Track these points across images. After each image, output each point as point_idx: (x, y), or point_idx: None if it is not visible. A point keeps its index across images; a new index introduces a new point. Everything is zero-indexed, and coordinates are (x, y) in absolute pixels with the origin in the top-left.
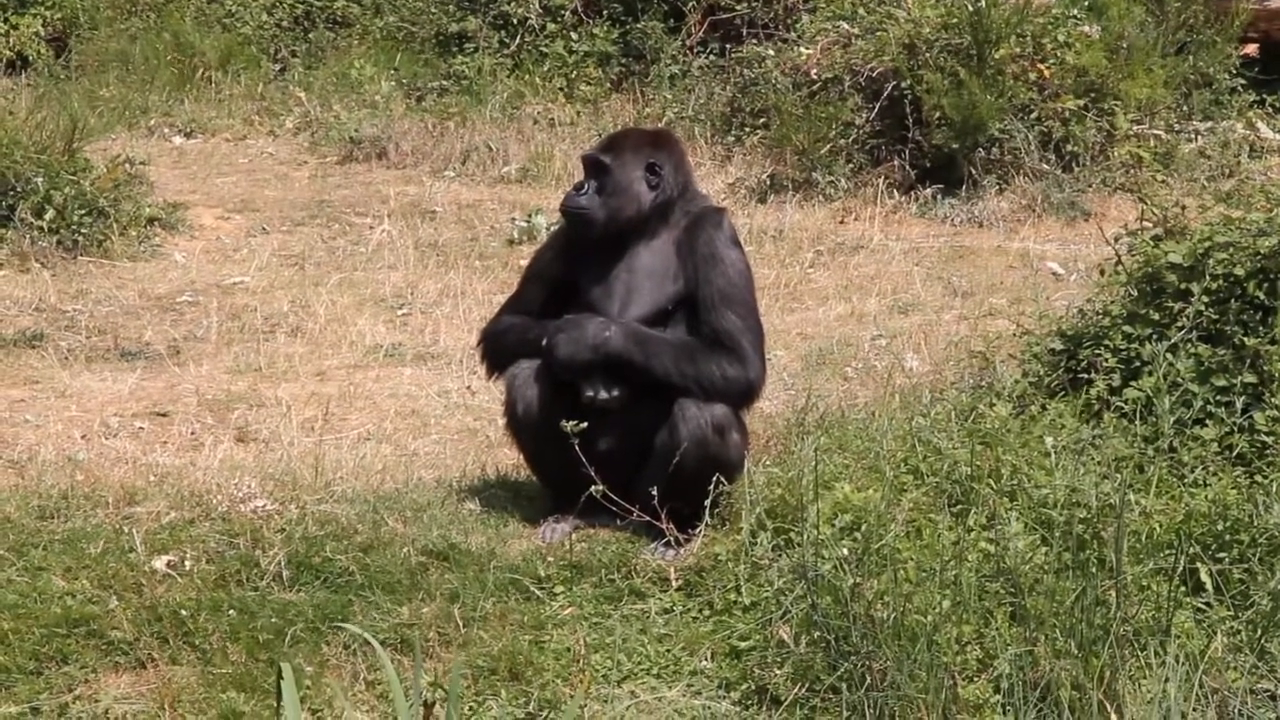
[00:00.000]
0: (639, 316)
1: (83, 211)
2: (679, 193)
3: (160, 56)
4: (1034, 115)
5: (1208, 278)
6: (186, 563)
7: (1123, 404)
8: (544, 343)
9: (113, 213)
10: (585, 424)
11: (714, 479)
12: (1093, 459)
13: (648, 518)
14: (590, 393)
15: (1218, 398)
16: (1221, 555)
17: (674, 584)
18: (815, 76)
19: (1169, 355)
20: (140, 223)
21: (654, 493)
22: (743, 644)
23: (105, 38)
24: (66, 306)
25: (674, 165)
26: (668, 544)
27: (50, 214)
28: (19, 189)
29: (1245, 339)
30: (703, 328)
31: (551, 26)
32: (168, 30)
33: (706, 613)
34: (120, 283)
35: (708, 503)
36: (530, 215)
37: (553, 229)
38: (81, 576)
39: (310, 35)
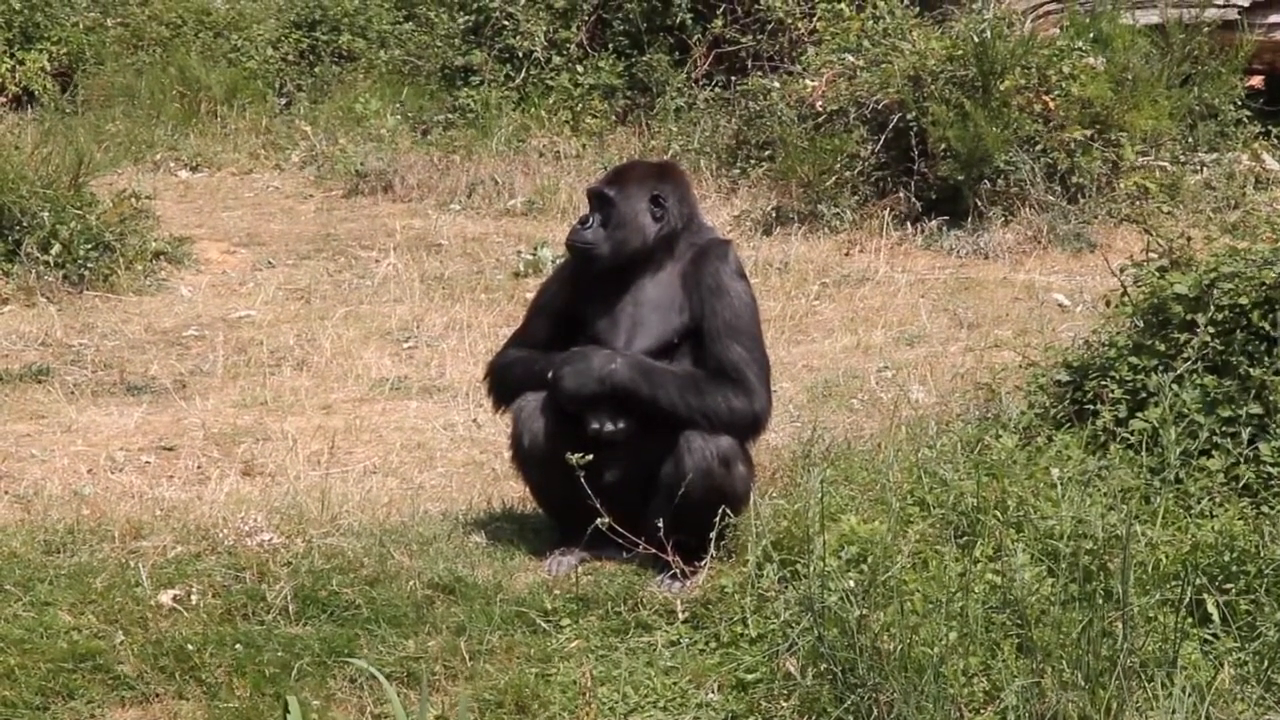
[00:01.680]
0: (645, 349)
1: (89, 246)
2: (684, 225)
3: (166, 91)
4: (1039, 147)
5: (1213, 308)
6: (192, 597)
7: (1129, 435)
8: (550, 375)
9: (119, 247)
10: (591, 456)
11: (719, 511)
12: (1099, 490)
13: (654, 550)
14: (596, 425)
15: (1224, 429)
16: (1228, 586)
17: (680, 617)
18: (820, 109)
19: (1175, 386)
20: (146, 257)
21: (660, 525)
22: (749, 676)
23: (111, 73)
24: (72, 341)
25: (678, 197)
26: (674, 576)
27: (56, 248)
28: (25, 224)
29: (1251, 370)
30: (708, 360)
31: (557, 60)
32: (173, 65)
33: (713, 645)
34: (126, 317)
35: (713, 535)
36: (536, 248)
37: (559, 262)
38: (87, 611)
39: (316, 69)
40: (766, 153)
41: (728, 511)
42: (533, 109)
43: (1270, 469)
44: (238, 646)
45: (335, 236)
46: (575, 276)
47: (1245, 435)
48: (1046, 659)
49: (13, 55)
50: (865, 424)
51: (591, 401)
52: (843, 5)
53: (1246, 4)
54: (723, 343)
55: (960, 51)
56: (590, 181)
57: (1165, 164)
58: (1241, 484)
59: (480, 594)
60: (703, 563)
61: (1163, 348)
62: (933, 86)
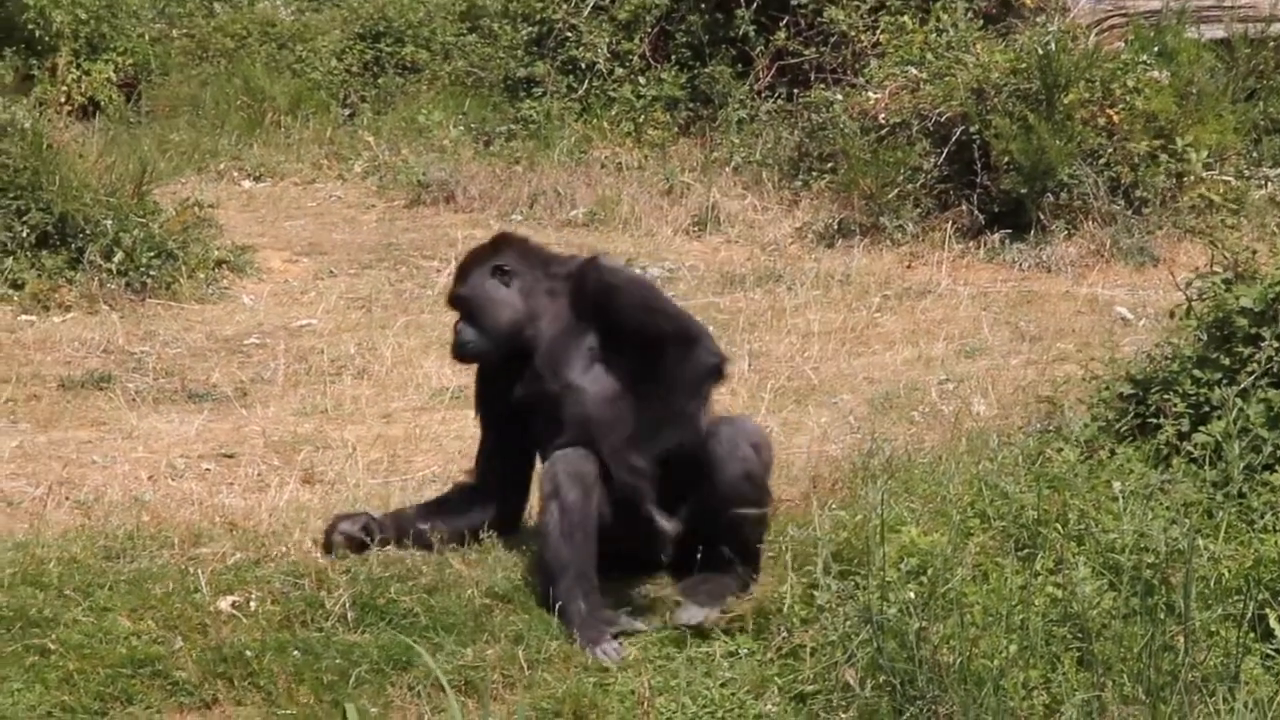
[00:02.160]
0: (598, 382)
1: (151, 254)
2: (542, 270)
3: (230, 101)
4: (1103, 160)
5: (1279, 322)
6: (252, 604)
7: (1192, 449)
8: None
9: (181, 255)
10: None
11: (755, 501)
12: (1161, 504)
13: (686, 585)
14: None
15: None
16: None
17: (720, 630)
18: (883, 121)
19: (1239, 400)
20: (208, 265)
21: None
22: (808, 688)
23: (176, 83)
24: (134, 348)
25: (518, 254)
26: (699, 604)
27: (119, 256)
28: (89, 232)
29: None
30: (645, 346)
31: (619, 71)
32: (238, 75)
33: (771, 656)
34: (188, 325)
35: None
36: None
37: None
38: (147, 617)
39: (379, 81)
40: (829, 165)
41: (760, 503)
42: (595, 120)
43: None
44: (296, 653)
45: (397, 246)
46: (490, 376)
47: None
48: (1107, 673)
49: (79, 66)
50: (926, 436)
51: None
52: (906, 18)
53: None
54: (646, 320)
55: (1024, 64)
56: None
57: (1230, 178)
58: None
59: (539, 602)
60: (757, 574)
61: (1227, 361)
62: (996, 99)
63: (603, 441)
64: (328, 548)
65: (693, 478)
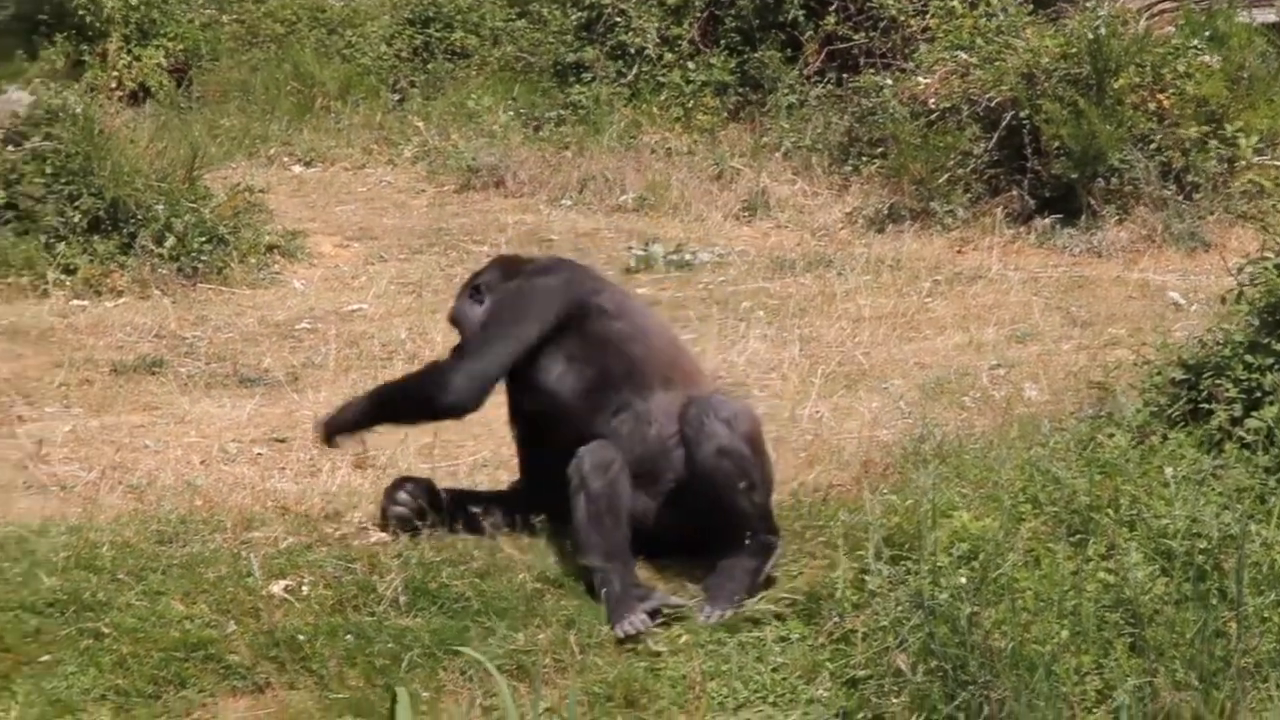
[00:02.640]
0: (568, 384)
1: (203, 239)
2: (513, 280)
3: (280, 86)
4: (1154, 145)
5: None
6: (304, 588)
7: (1244, 434)
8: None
9: (232, 240)
10: None
11: (740, 474)
12: (1213, 489)
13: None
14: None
15: None
16: None
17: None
18: (933, 106)
19: None
20: (259, 250)
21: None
22: (860, 673)
23: (226, 68)
24: (186, 333)
25: (499, 270)
26: (718, 601)
27: (171, 241)
28: (140, 217)
29: None
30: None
31: (669, 56)
32: (288, 61)
33: (823, 641)
34: (239, 310)
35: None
36: (647, 244)
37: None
38: (199, 601)
39: (429, 66)
40: (879, 150)
41: (747, 476)
42: (644, 105)
43: None
44: (349, 637)
45: (447, 231)
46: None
47: None
48: (1160, 658)
49: (130, 52)
50: (977, 421)
51: None
52: (955, 3)
53: None
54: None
55: (1074, 49)
56: None
57: None
58: None
59: (588, 588)
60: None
61: (1279, 347)
62: (1046, 84)
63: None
64: (385, 513)
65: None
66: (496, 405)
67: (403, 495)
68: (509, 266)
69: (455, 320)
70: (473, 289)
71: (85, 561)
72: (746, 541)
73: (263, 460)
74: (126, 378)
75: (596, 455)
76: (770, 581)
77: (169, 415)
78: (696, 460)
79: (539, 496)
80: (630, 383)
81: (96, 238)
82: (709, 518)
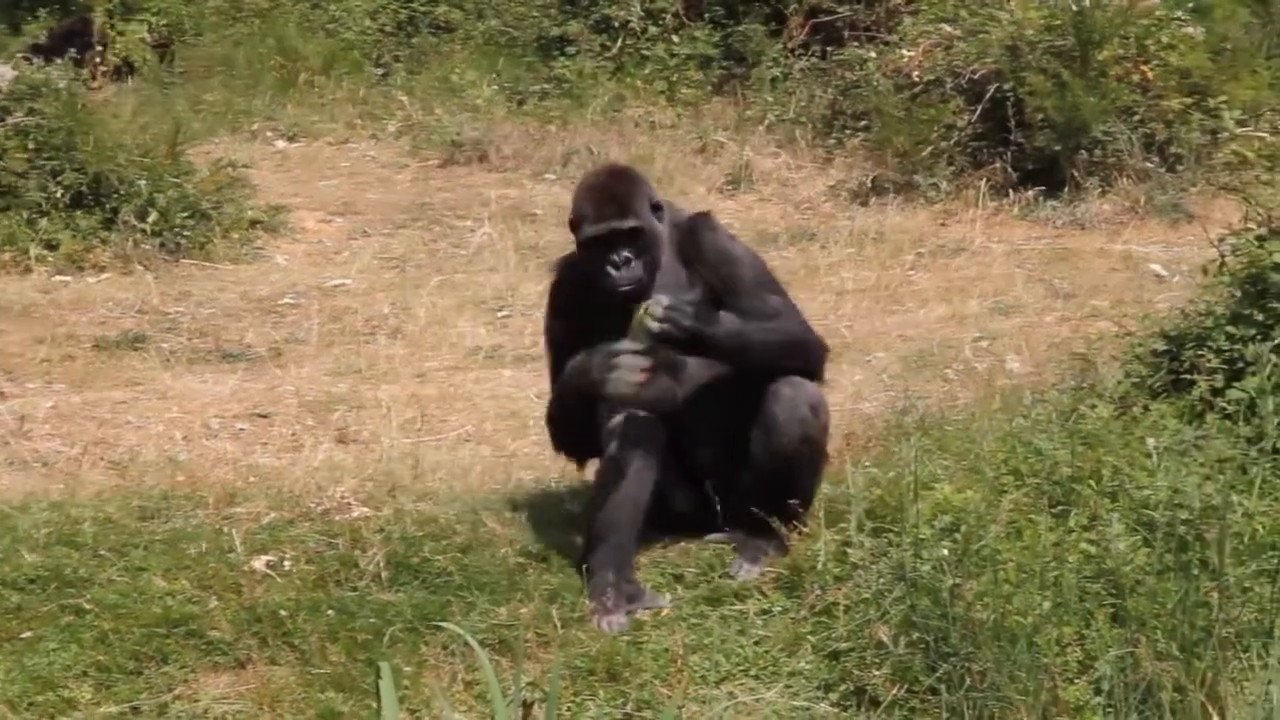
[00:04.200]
0: None
1: (185, 214)
2: (667, 213)
3: (264, 61)
4: (1137, 117)
5: None
6: (286, 563)
7: (1226, 405)
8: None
9: (215, 215)
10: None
11: (810, 462)
12: (1195, 460)
13: (736, 540)
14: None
15: None
16: None
17: (768, 589)
18: (917, 79)
19: (1273, 356)
20: (242, 225)
21: (751, 493)
22: (842, 645)
23: (210, 43)
24: (169, 308)
25: (655, 192)
26: (751, 559)
27: (153, 217)
28: (123, 192)
29: None
30: (749, 317)
31: (653, 29)
32: (271, 36)
33: (805, 614)
34: (222, 285)
35: (811, 488)
36: None
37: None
38: (181, 577)
39: (413, 40)
40: (862, 123)
41: (815, 464)
42: (628, 79)
43: None
44: (331, 613)
45: (430, 206)
46: (576, 301)
47: None
48: (1141, 629)
49: (113, 27)
50: (960, 393)
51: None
52: None
53: None
54: (761, 298)
55: (1058, 21)
56: (594, 224)
57: (1265, 134)
58: None
59: (572, 561)
60: (793, 533)
61: (1261, 317)
62: (1030, 56)
63: (687, 409)
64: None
65: (747, 437)
66: (475, 381)
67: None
68: (648, 179)
69: (646, 234)
70: (654, 205)
71: (67, 537)
72: (779, 529)
73: (245, 436)
74: (109, 353)
75: (644, 431)
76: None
77: (151, 391)
78: (779, 437)
79: None
80: None
81: (79, 213)
82: (769, 488)
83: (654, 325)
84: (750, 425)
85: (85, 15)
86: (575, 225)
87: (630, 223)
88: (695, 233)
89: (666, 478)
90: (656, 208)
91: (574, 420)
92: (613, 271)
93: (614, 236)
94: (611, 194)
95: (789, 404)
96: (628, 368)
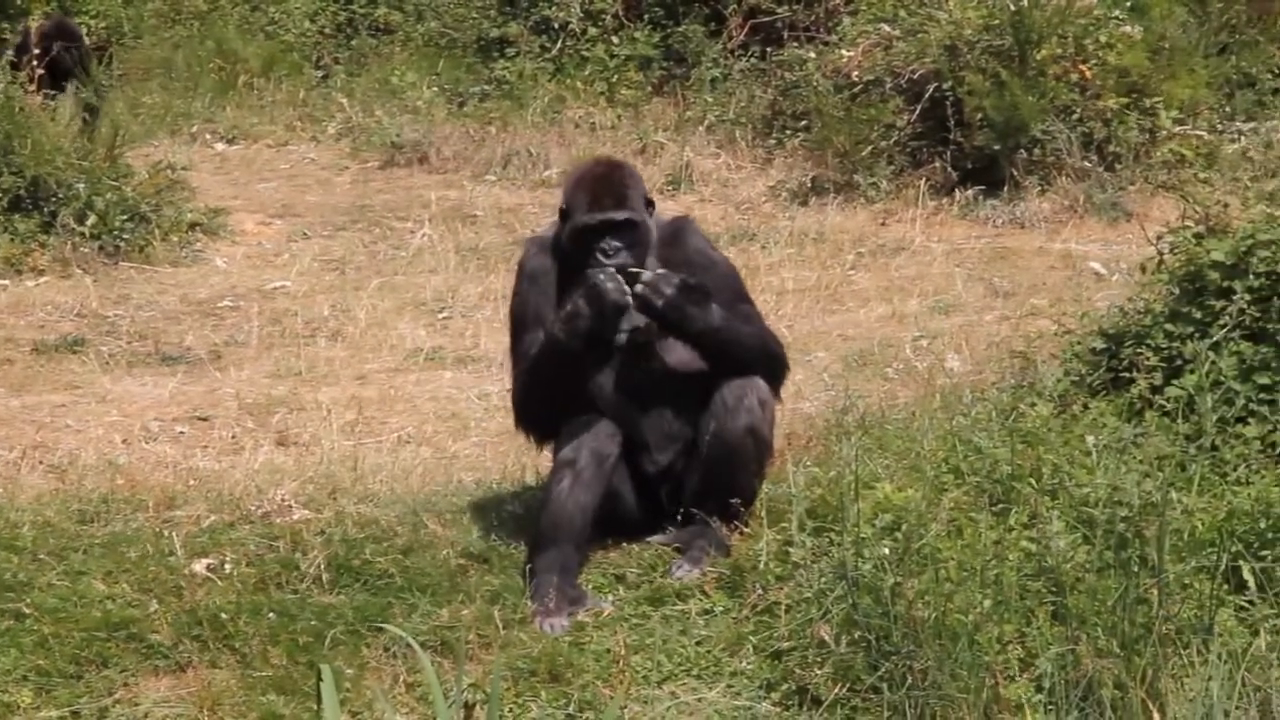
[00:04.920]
0: (672, 350)
1: (124, 217)
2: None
3: (203, 64)
4: (1076, 116)
5: (1250, 275)
6: (226, 566)
7: (1165, 402)
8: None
9: (154, 218)
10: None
11: (756, 460)
12: (1135, 457)
13: (679, 540)
14: (650, 466)
15: (1260, 395)
16: (1264, 553)
17: (709, 588)
18: (856, 79)
19: (1211, 353)
20: (182, 228)
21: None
22: (783, 644)
23: (149, 45)
24: (108, 312)
25: (648, 190)
26: (693, 560)
27: (92, 220)
28: (61, 195)
29: None
30: None
31: (592, 31)
32: (211, 38)
33: (747, 613)
34: (161, 288)
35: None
36: None
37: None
38: (121, 580)
39: (353, 42)
40: (802, 123)
41: (760, 459)
42: (568, 80)
43: None
44: (271, 615)
45: (370, 208)
46: (543, 278)
47: None
48: (1082, 626)
49: None
50: (900, 392)
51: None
52: None
53: None
54: (735, 306)
55: (996, 21)
56: (591, 213)
57: (1202, 133)
58: (1278, 451)
59: (514, 563)
60: (735, 533)
61: (1199, 315)
62: (969, 56)
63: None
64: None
65: (695, 429)
66: (416, 383)
67: None
68: (640, 176)
69: (640, 228)
70: (648, 202)
71: (6, 542)
72: (719, 525)
73: (185, 439)
74: (48, 357)
75: (599, 438)
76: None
77: (90, 394)
78: (726, 425)
79: None
80: None
81: (17, 216)
82: (711, 481)
83: (639, 289)
84: (700, 417)
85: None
86: (567, 213)
87: (625, 214)
88: (678, 235)
89: (620, 482)
90: (649, 204)
91: (549, 388)
92: (603, 259)
93: (608, 227)
94: (608, 185)
95: (738, 393)
96: (611, 278)
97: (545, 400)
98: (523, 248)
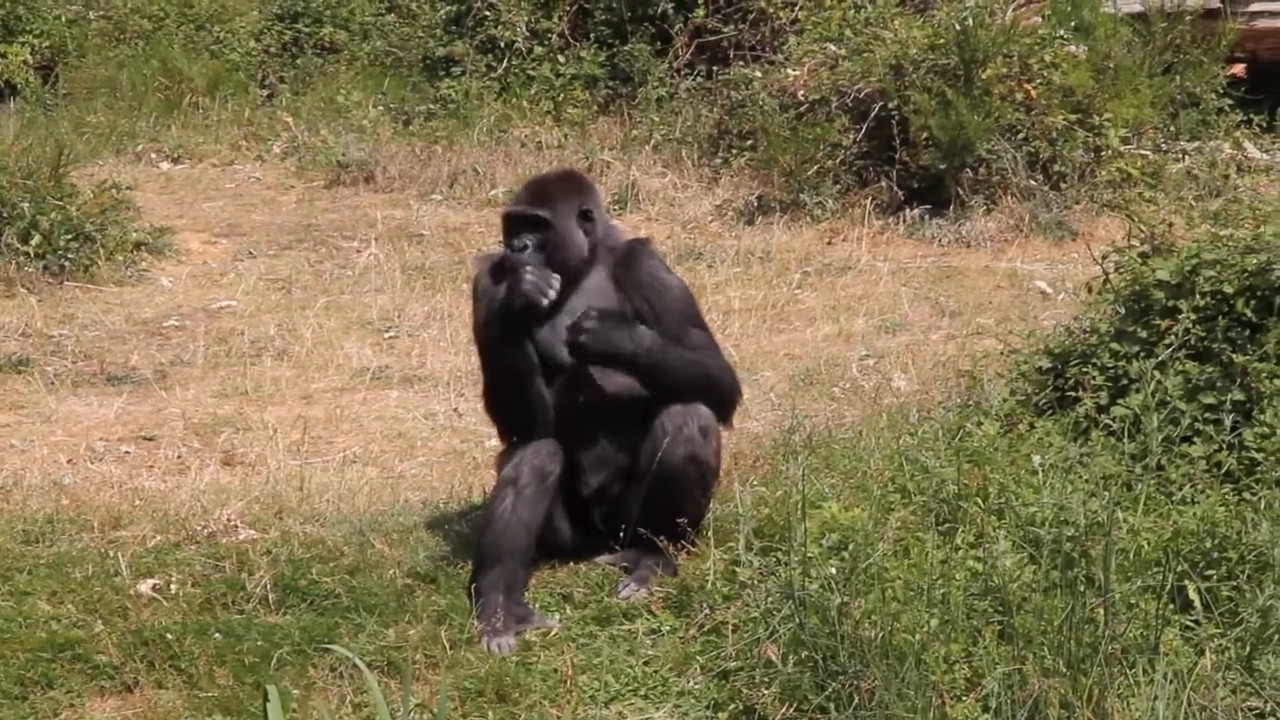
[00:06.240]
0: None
1: (69, 237)
2: (604, 231)
3: (148, 83)
4: (1021, 135)
5: (1196, 295)
6: (172, 586)
7: (1110, 422)
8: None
9: (99, 238)
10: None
11: (697, 485)
12: (1080, 477)
13: (626, 560)
14: (584, 489)
15: (1206, 415)
16: (1210, 573)
17: (656, 608)
18: (802, 98)
19: (1157, 373)
20: (127, 248)
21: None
22: (731, 664)
23: (94, 65)
24: (53, 332)
25: (598, 206)
26: (640, 580)
27: (36, 239)
28: (5, 215)
29: (1233, 356)
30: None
31: (539, 50)
32: (156, 57)
33: (694, 633)
34: (107, 308)
35: (697, 511)
36: None
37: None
38: (67, 601)
39: (298, 61)
40: (748, 142)
41: (705, 486)
42: (514, 99)
43: (1253, 455)
44: (217, 635)
45: (316, 227)
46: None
47: (1227, 422)
48: (1028, 646)
49: None
50: (847, 412)
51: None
52: None
53: None
54: (686, 330)
55: (942, 40)
56: (508, 204)
57: (1147, 152)
58: (1223, 470)
59: (461, 583)
60: (682, 552)
61: (1144, 334)
62: (914, 75)
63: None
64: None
65: (634, 453)
66: (362, 402)
67: None
68: (596, 191)
69: (556, 229)
70: (583, 213)
71: None
72: (665, 549)
73: (130, 459)
74: None
75: (541, 458)
76: (675, 570)
77: (35, 414)
78: (666, 455)
79: None
80: None
81: None
82: (654, 507)
83: (569, 337)
84: (642, 442)
85: None
86: None
87: (536, 211)
88: (632, 257)
89: (553, 504)
90: (585, 216)
91: (508, 393)
92: (509, 252)
93: (519, 220)
94: (539, 184)
95: (678, 421)
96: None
97: (509, 405)
98: (474, 266)
